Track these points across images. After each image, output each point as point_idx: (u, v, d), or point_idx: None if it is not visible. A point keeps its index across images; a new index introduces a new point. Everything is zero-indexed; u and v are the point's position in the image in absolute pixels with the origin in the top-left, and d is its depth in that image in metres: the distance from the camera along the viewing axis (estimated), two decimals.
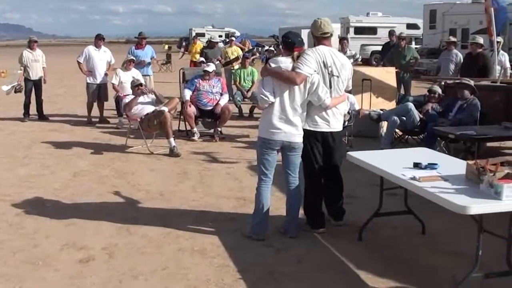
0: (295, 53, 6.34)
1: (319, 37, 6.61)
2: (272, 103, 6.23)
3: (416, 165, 5.74)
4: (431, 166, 5.70)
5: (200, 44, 25.59)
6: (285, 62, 6.25)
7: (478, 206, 4.57)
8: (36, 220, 7.23)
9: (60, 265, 5.84)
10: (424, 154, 6.52)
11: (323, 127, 6.57)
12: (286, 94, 6.22)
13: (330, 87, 6.47)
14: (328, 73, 6.46)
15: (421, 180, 5.20)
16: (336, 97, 6.54)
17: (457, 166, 5.79)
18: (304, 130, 6.44)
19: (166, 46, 55.00)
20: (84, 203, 8.00)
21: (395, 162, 6.05)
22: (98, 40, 15.21)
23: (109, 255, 6.11)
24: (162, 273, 5.64)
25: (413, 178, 5.27)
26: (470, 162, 5.35)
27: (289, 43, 6.40)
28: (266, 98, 6.21)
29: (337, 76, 6.54)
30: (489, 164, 5.00)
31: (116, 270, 5.70)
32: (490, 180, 4.77)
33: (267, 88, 6.24)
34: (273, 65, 6.27)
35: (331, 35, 6.68)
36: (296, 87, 6.21)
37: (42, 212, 7.55)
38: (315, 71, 6.29)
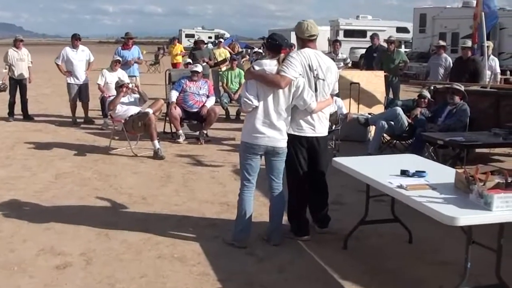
0: (281, 56, 6.17)
1: (305, 40, 6.43)
2: (256, 107, 6.06)
3: (404, 173, 5.58)
4: (419, 174, 5.54)
5: (179, 45, 25.40)
6: (269, 65, 6.07)
7: (467, 217, 4.41)
8: (14, 223, 7.04)
9: (36, 271, 5.66)
10: (411, 161, 6.37)
11: (308, 131, 6.40)
12: (270, 98, 6.04)
13: (316, 90, 6.30)
14: (314, 76, 6.29)
15: (408, 188, 5.04)
16: (321, 101, 6.37)
17: (446, 174, 5.65)
18: (289, 135, 6.27)
19: (144, 50, 53.88)
20: (64, 206, 7.81)
21: (382, 169, 5.89)
22: (75, 40, 15.07)
23: (87, 261, 5.92)
24: (140, 281, 5.46)
25: (400, 186, 5.11)
26: (459, 170, 5.20)
27: (276, 45, 6.22)
28: (250, 102, 6.03)
29: (323, 80, 6.37)
30: (479, 173, 4.85)
31: (93, 278, 5.51)
32: (479, 190, 4.61)
33: (250, 91, 6.05)
34: (257, 68, 6.10)
35: (316, 37, 6.54)
36: (281, 91, 6.03)
37: (20, 215, 7.36)
38: (300, 74, 6.12)
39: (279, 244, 6.36)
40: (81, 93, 14.80)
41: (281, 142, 6.17)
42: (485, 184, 4.67)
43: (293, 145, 6.36)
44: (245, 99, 6.07)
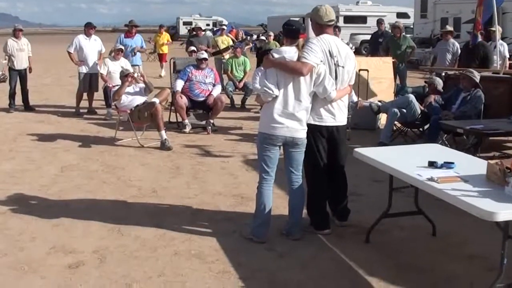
0: (300, 41, 5.93)
1: (324, 25, 6.20)
2: (276, 96, 5.82)
3: (432, 164, 5.34)
4: (447, 165, 5.31)
5: (166, 34, 24.83)
6: (289, 52, 5.83)
7: (506, 212, 4.17)
8: (21, 219, 6.79)
9: (47, 271, 5.42)
10: (436, 151, 6.15)
11: (328, 121, 6.18)
12: (290, 87, 5.80)
13: (336, 78, 6.09)
14: (334, 63, 6.08)
15: (440, 181, 4.80)
16: (341, 89, 6.15)
17: (474, 165, 5.44)
18: (308, 125, 6.03)
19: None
20: (72, 200, 7.57)
21: (407, 160, 5.66)
22: (89, 29, 14.74)
23: (100, 259, 5.68)
24: (158, 280, 5.22)
25: (431, 179, 4.86)
26: (492, 161, 4.95)
27: (293, 30, 5.98)
28: (271, 92, 5.77)
29: (342, 67, 6.17)
30: None
31: (108, 277, 5.28)
32: None
33: (270, 80, 5.79)
34: (276, 56, 5.85)
35: (334, 23, 6.32)
36: (302, 79, 5.79)
37: (28, 211, 7.11)
38: (321, 61, 5.89)
39: (300, 238, 6.14)
40: (91, 83, 14.53)
41: (301, 133, 5.93)
42: None
43: (313, 135, 6.13)
44: (265, 88, 5.80)
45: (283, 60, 5.79)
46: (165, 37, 24.41)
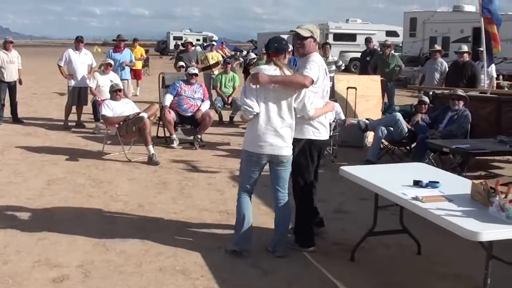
0: (281, 59, 5.94)
1: (317, 44, 6.28)
2: (257, 114, 5.82)
3: (417, 183, 5.38)
4: (432, 184, 5.35)
5: (140, 49, 23.00)
6: (269, 70, 5.83)
7: (489, 232, 4.21)
8: (6, 233, 6.75)
9: (31, 285, 5.40)
10: (421, 170, 6.19)
11: (325, 135, 6.29)
12: (271, 104, 5.80)
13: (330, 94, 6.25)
14: (328, 80, 6.18)
15: (425, 200, 4.83)
16: (320, 107, 6.18)
17: (459, 184, 5.49)
18: (306, 140, 6.08)
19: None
20: (58, 214, 7.54)
21: (392, 179, 5.70)
22: (78, 42, 14.73)
23: (85, 274, 5.66)
24: None
25: (416, 198, 4.90)
26: (476, 181, 4.98)
27: (277, 48, 5.98)
28: (251, 109, 5.77)
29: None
30: (499, 184, 4.64)
31: None
32: (501, 203, 4.40)
33: (249, 97, 5.80)
34: (261, 73, 5.85)
35: None
36: (283, 95, 5.79)
37: (13, 224, 7.08)
38: (318, 79, 5.95)
39: (284, 256, 6.13)
40: (80, 96, 14.50)
41: (285, 150, 5.92)
42: (507, 197, 4.46)
43: (310, 150, 6.16)
44: (245, 106, 5.81)
45: (280, 76, 5.79)
46: (139, 51, 22.45)
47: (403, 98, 20.87)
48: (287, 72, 5.82)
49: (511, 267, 4.94)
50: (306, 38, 6.16)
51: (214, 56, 18.75)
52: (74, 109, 14.63)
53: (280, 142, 5.85)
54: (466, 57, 13.41)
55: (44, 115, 16.72)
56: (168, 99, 12.18)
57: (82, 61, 14.55)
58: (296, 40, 6.24)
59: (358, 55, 20.88)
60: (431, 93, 12.61)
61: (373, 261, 6.15)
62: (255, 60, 17.84)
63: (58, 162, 10.54)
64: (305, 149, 6.10)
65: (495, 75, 14.76)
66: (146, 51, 33.77)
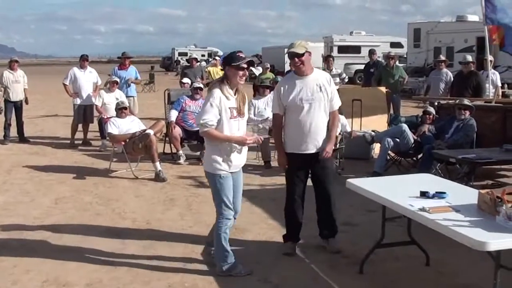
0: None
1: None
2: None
3: (423, 194, 5.37)
4: (439, 195, 5.34)
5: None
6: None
7: (497, 242, 4.20)
8: (15, 252, 6.77)
9: None
10: (428, 181, 6.18)
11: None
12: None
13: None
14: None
15: (432, 211, 4.82)
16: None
17: (466, 194, 5.47)
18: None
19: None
20: (66, 233, 7.54)
21: (399, 190, 5.70)
22: (83, 61, 14.84)
23: None
24: None
25: (422, 209, 4.89)
26: (482, 191, 4.97)
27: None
28: (210, 123, 5.94)
29: None
30: (506, 193, 4.62)
31: None
32: (508, 212, 4.39)
33: (213, 112, 5.90)
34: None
35: None
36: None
37: (21, 243, 7.11)
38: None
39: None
40: (85, 115, 14.55)
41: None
42: None
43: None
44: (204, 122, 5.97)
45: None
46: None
47: (408, 109, 20.87)
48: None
49: None
50: (303, 54, 6.27)
51: (219, 71, 18.77)
52: (80, 127, 14.68)
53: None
54: (471, 67, 13.42)
55: (50, 134, 16.80)
56: (173, 114, 12.20)
57: (87, 79, 14.63)
58: (295, 60, 6.31)
59: (363, 67, 20.91)
60: (436, 103, 12.60)
61: (382, 273, 6.13)
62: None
63: (65, 181, 10.57)
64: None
65: (500, 84, 14.74)
66: (152, 68, 33.55)
